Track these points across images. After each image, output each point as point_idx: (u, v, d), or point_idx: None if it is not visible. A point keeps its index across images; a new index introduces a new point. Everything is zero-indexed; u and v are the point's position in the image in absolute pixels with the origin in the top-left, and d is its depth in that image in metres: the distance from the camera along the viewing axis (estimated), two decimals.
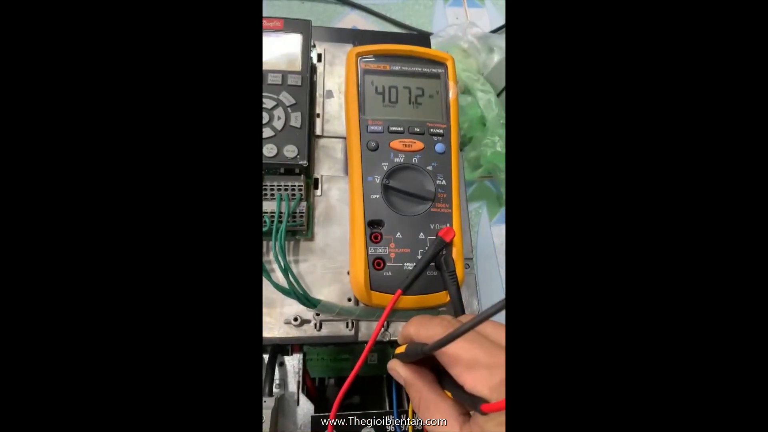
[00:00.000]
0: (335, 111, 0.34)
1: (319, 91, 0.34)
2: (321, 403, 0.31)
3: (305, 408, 0.30)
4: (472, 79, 0.53)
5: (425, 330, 0.21)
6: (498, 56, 0.54)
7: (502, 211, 0.57)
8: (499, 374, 0.16)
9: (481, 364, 0.17)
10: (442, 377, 0.21)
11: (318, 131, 0.33)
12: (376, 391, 0.34)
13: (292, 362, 0.31)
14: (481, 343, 0.18)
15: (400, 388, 0.32)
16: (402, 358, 0.21)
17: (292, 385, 0.30)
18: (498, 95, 0.54)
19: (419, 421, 0.30)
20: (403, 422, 0.30)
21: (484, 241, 0.54)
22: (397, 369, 0.22)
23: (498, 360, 0.17)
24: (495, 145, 0.51)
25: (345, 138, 0.33)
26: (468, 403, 0.18)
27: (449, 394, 0.20)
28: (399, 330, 0.30)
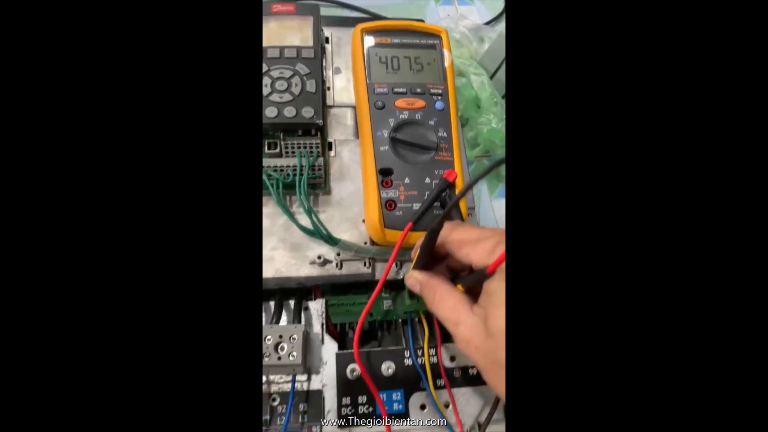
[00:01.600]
0: (343, 85, 0.38)
1: (328, 69, 0.38)
2: (343, 345, 0.33)
3: (330, 347, 0.33)
4: (465, 64, 0.57)
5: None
6: (488, 43, 0.59)
7: (502, 186, 0.60)
8: (500, 244, 0.19)
9: (484, 237, 0.20)
10: (452, 279, 0.24)
11: (329, 102, 0.37)
12: (393, 335, 0.37)
13: (316, 306, 0.34)
14: (483, 227, 0.21)
15: (414, 327, 0.35)
16: (416, 266, 0.25)
17: (317, 327, 0.33)
18: (491, 77, 0.58)
19: (433, 352, 0.33)
20: (420, 357, 0.33)
21: (486, 214, 0.57)
22: (413, 275, 0.25)
23: (498, 235, 0.20)
24: (490, 122, 0.55)
25: (354, 107, 0.37)
26: (476, 281, 0.21)
27: (461, 288, 0.23)
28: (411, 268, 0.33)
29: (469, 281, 0.22)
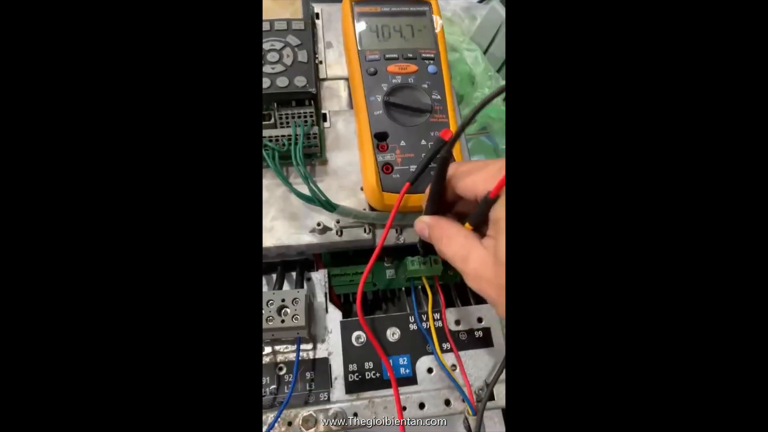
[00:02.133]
0: (335, 58, 0.38)
1: (320, 44, 0.38)
2: (348, 314, 0.33)
3: (334, 315, 0.33)
4: (458, 41, 0.57)
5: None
6: (480, 19, 0.59)
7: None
8: (504, 168, 0.19)
9: (488, 164, 0.20)
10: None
11: (322, 75, 0.37)
12: (398, 305, 0.37)
13: (318, 276, 0.34)
14: (487, 160, 0.21)
15: (417, 294, 0.35)
16: (427, 210, 0.24)
17: (320, 297, 0.33)
18: (484, 53, 0.58)
19: (438, 317, 0.33)
20: (425, 322, 0.32)
21: None
22: (422, 219, 0.24)
23: (502, 161, 0.19)
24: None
25: (347, 79, 0.37)
26: (483, 213, 0.20)
27: (469, 226, 0.22)
28: (411, 234, 0.33)
29: (476, 216, 0.21)
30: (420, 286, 0.35)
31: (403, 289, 0.35)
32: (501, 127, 0.56)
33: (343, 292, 0.35)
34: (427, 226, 0.24)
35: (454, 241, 0.22)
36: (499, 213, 0.19)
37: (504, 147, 0.58)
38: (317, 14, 0.40)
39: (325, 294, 0.33)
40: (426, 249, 0.30)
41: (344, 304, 0.35)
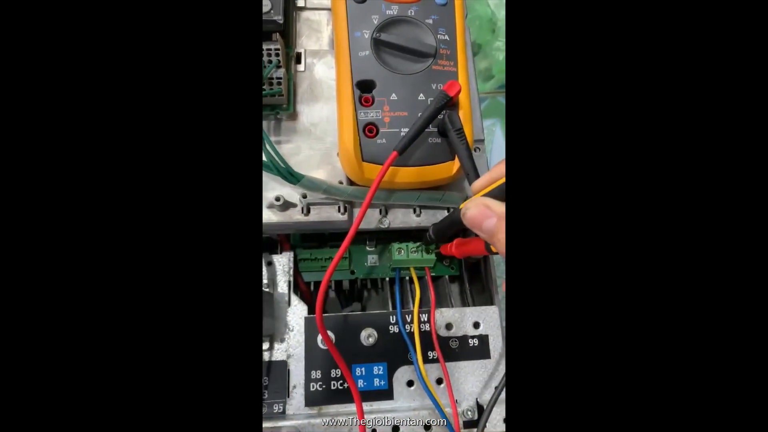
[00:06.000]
0: None
1: None
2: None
3: (298, 310, 0.27)
4: None
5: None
6: None
7: None
8: None
9: None
10: None
11: (300, 2, 0.29)
12: (381, 296, 0.31)
13: (282, 260, 0.27)
14: None
15: (403, 287, 0.29)
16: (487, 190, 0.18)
17: (282, 286, 0.27)
18: None
19: (425, 318, 0.27)
20: (408, 324, 0.26)
21: (498, 152, 0.49)
22: (491, 204, 0.17)
23: None
24: None
25: (330, 7, 0.28)
26: None
27: None
28: (398, 217, 0.26)
29: None
30: (408, 277, 0.28)
31: (387, 279, 0.29)
32: None
33: (313, 279, 0.29)
34: (495, 216, 0.17)
35: None
36: None
37: None
38: None
39: (289, 282, 0.27)
40: (442, 238, 0.24)
41: (314, 293, 0.29)
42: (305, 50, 0.28)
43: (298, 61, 0.27)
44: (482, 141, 0.28)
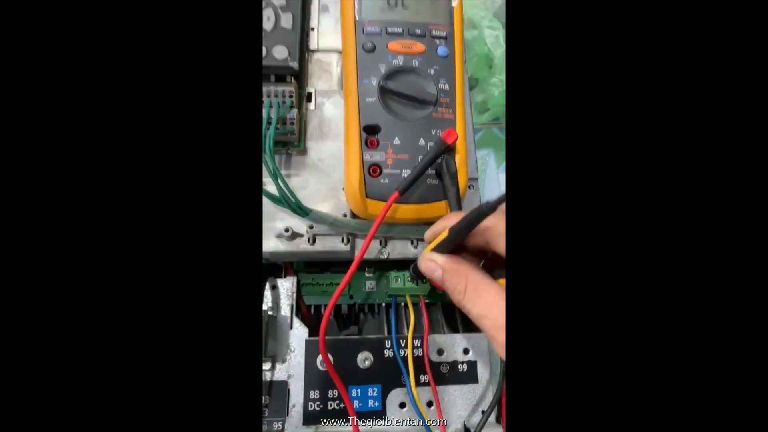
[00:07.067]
0: (331, 26, 0.32)
1: (313, 5, 0.32)
2: (317, 331, 0.29)
3: (299, 332, 0.28)
4: (479, 15, 0.50)
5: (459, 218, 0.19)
6: None
7: None
8: None
9: None
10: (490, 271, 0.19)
11: (313, 46, 0.31)
12: (377, 320, 0.33)
13: (286, 285, 0.29)
14: None
15: (399, 312, 0.31)
16: (440, 248, 0.20)
17: (285, 309, 0.29)
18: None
19: (419, 344, 0.28)
20: (402, 349, 0.28)
21: (492, 188, 0.52)
22: (433, 258, 0.19)
23: None
24: (503, 84, 0.48)
25: (341, 52, 0.31)
26: None
27: (502, 282, 0.18)
28: (396, 248, 0.28)
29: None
30: (403, 303, 0.30)
31: (384, 304, 0.31)
32: None
33: (314, 303, 0.30)
34: (440, 268, 0.19)
35: (483, 299, 0.17)
36: None
37: None
38: None
39: (291, 306, 0.29)
40: (420, 277, 0.26)
41: (315, 316, 0.30)
42: (316, 90, 0.30)
43: (309, 100, 0.30)
44: (476, 179, 0.31)
